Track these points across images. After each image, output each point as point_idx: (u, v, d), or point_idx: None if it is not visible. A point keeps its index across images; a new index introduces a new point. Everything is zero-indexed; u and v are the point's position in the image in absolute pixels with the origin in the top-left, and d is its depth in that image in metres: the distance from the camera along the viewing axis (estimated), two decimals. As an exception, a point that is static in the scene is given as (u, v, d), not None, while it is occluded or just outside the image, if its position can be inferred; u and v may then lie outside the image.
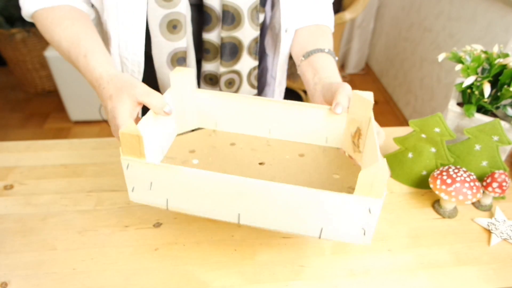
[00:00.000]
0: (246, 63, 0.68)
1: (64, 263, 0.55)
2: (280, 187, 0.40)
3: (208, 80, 0.69)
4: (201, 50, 0.66)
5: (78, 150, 0.77)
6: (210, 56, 0.65)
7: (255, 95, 0.75)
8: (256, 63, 0.69)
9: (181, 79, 0.55)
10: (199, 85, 0.72)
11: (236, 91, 0.71)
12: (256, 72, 0.71)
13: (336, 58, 0.64)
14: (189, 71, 0.56)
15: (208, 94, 0.58)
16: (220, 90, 0.69)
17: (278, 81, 0.76)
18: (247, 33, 0.63)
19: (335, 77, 0.59)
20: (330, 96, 0.54)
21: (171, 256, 0.56)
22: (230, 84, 0.69)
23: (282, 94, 0.80)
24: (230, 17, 0.60)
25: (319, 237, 0.43)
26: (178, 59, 0.62)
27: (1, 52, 2.26)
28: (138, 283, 0.52)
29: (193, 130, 0.61)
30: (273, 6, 0.69)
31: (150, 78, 0.65)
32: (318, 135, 0.58)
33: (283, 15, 0.65)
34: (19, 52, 2.21)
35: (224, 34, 0.62)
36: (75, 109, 2.11)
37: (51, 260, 0.55)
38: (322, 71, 0.59)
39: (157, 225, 0.61)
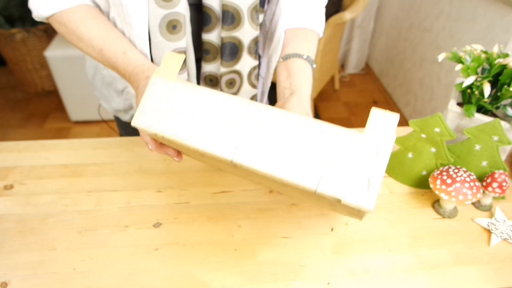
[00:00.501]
0: (247, 63, 0.68)
1: (64, 263, 0.55)
2: (286, 114, 0.38)
3: (208, 81, 0.69)
4: (200, 50, 0.66)
5: (78, 150, 0.77)
6: (210, 57, 0.65)
7: (255, 95, 0.75)
8: (256, 62, 0.69)
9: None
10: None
11: (237, 91, 0.71)
12: (256, 71, 0.71)
13: (314, 66, 0.65)
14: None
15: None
16: (221, 90, 0.69)
17: (268, 80, 0.76)
18: (247, 33, 0.63)
19: (305, 87, 0.59)
20: None
21: (171, 256, 0.56)
22: (231, 84, 0.69)
23: (267, 91, 0.80)
24: (230, 17, 0.60)
25: (316, 190, 0.37)
26: None
27: (1, 52, 2.26)
28: (138, 283, 0.52)
29: None
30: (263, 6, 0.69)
31: None
32: None
33: (281, 19, 0.65)
34: (19, 52, 2.21)
35: (224, 34, 0.62)
36: (75, 109, 2.11)
37: (51, 260, 0.55)
38: (294, 77, 0.60)
39: (157, 225, 0.61)
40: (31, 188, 0.68)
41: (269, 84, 0.77)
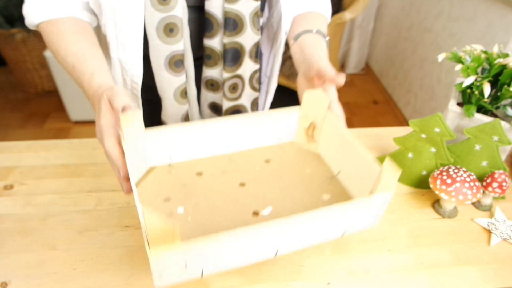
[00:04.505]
0: (248, 67, 0.68)
1: (64, 263, 0.55)
2: (313, 214, 0.43)
3: (209, 86, 0.69)
4: (201, 52, 0.66)
5: (78, 150, 0.77)
6: (212, 62, 0.66)
7: (257, 97, 0.75)
8: (257, 66, 0.70)
9: (131, 124, 0.50)
10: (199, 90, 0.71)
11: (240, 95, 0.71)
12: (257, 75, 0.71)
13: (327, 38, 0.66)
14: (137, 114, 0.51)
15: (158, 131, 0.55)
16: (224, 95, 0.69)
17: (273, 79, 0.77)
18: (249, 38, 0.64)
19: (319, 54, 0.60)
20: (310, 73, 0.58)
21: (171, 256, 0.56)
22: (233, 89, 0.69)
23: (273, 92, 0.80)
24: (232, 23, 0.61)
25: (341, 236, 0.49)
26: (175, 62, 0.62)
27: (1, 52, 2.26)
28: (138, 283, 0.52)
29: (147, 173, 0.57)
30: (270, 7, 0.69)
31: (150, 81, 0.65)
32: (272, 137, 0.62)
33: (283, 18, 0.66)
34: (19, 52, 2.21)
35: (227, 40, 0.62)
36: (75, 109, 2.11)
37: (51, 260, 0.55)
38: (307, 49, 0.62)
39: (157, 225, 0.61)
40: (31, 188, 0.68)
41: (275, 84, 0.77)
